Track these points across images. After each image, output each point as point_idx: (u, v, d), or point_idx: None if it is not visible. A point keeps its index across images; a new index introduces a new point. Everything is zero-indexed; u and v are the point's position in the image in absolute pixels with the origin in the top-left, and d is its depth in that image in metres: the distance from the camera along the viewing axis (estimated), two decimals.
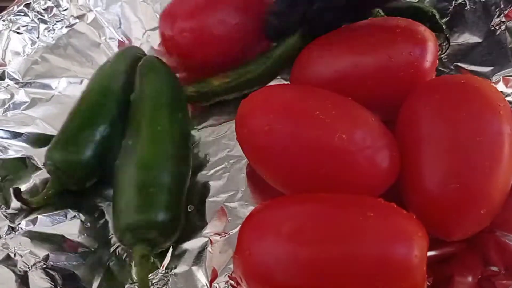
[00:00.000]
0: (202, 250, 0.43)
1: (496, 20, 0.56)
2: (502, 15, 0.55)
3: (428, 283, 0.39)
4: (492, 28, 0.55)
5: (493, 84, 0.43)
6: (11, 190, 0.45)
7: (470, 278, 0.38)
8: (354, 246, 0.32)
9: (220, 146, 0.51)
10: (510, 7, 0.55)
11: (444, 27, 0.57)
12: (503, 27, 0.55)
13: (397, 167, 0.40)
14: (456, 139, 0.38)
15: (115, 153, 0.44)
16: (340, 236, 0.32)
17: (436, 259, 0.40)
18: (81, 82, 0.56)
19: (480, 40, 0.56)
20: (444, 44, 0.56)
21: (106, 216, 0.46)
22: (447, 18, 0.59)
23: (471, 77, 0.45)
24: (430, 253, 0.40)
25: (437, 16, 0.57)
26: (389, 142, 0.40)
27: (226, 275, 0.41)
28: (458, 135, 0.38)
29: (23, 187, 0.46)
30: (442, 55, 0.56)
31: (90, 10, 0.62)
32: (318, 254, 0.32)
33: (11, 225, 0.43)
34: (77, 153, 0.43)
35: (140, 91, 0.48)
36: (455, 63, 0.56)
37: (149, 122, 0.45)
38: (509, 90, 0.51)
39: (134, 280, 0.41)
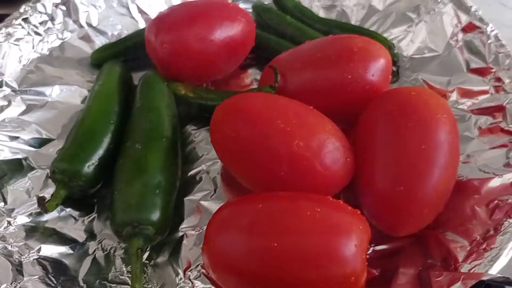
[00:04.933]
0: (178, 243, 0.47)
1: (454, 34, 0.60)
2: (459, 29, 0.60)
3: (376, 273, 0.44)
4: (450, 42, 0.60)
5: (439, 96, 0.47)
6: (7, 187, 0.50)
7: (412, 270, 0.43)
8: (302, 237, 0.36)
9: (198, 149, 0.55)
10: (466, 23, 0.60)
11: (396, 62, 0.61)
12: (460, 40, 0.59)
13: (350, 171, 0.45)
14: (403, 146, 0.43)
15: (115, 162, 0.49)
16: (290, 229, 0.37)
17: (385, 253, 0.45)
18: (73, 90, 0.61)
19: (439, 53, 0.60)
20: (394, 78, 0.60)
21: (94, 212, 0.50)
22: (411, 31, 0.64)
23: (421, 89, 0.50)
24: (380, 247, 0.46)
25: (394, 51, 0.61)
26: (344, 149, 0.44)
27: (199, 265, 0.45)
28: (405, 142, 0.43)
29: (19, 185, 0.51)
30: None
31: (82, 26, 0.66)
32: (271, 244, 0.36)
33: (8, 219, 0.47)
34: (83, 164, 0.47)
35: (142, 102, 0.54)
36: (416, 73, 0.61)
37: (154, 129, 0.50)
38: (463, 99, 0.55)
39: (122, 270, 0.46)
